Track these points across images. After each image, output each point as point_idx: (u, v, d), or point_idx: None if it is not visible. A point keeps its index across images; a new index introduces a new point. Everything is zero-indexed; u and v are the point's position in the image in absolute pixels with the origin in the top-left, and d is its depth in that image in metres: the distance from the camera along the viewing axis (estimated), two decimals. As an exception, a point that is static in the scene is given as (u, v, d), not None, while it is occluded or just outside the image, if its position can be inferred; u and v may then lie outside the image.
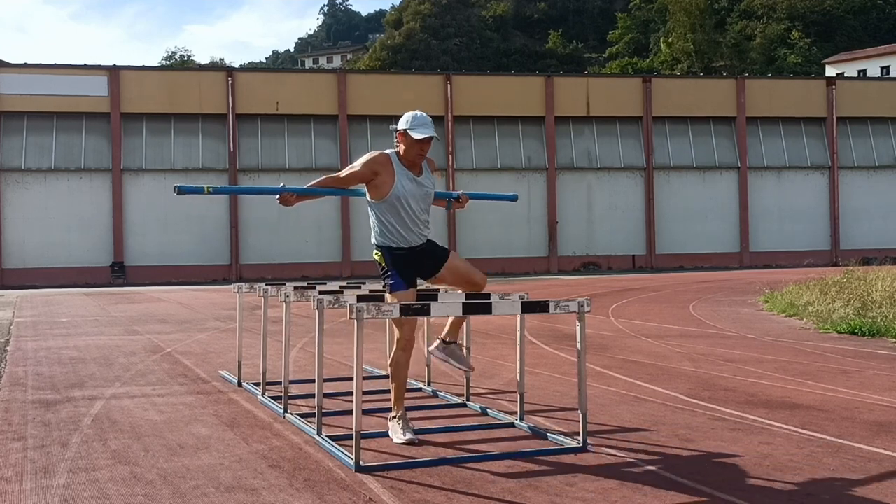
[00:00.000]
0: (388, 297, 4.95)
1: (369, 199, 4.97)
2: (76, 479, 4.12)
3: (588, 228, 39.45)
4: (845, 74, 62.42)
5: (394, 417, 4.93)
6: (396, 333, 4.85)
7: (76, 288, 31.19)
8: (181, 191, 5.04)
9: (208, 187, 5.13)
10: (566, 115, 39.26)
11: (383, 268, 4.95)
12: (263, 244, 36.22)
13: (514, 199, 6.40)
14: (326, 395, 5.87)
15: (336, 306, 5.23)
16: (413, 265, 4.96)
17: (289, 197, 4.96)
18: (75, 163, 35.10)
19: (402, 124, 4.89)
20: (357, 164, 4.93)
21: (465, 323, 5.37)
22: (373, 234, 5.03)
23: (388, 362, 5.02)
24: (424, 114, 4.92)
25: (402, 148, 4.91)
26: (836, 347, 9.15)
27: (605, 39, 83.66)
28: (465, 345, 5.38)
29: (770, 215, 41.24)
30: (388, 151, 4.95)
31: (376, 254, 5.00)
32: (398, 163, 4.91)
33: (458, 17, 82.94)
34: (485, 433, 5.12)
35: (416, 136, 4.83)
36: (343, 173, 4.97)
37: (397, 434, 4.85)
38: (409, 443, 4.76)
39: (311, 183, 5.11)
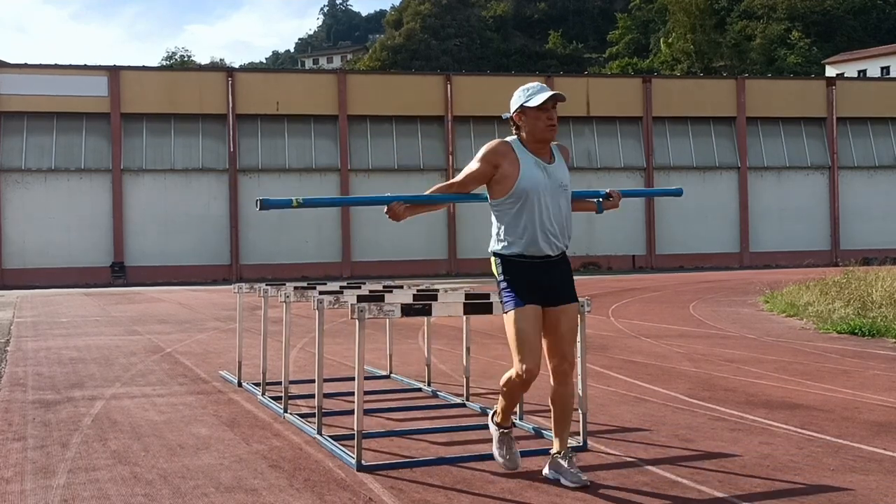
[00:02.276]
0: (505, 319, 4.01)
1: (491, 202, 4.09)
2: (76, 479, 4.12)
3: (588, 228, 39.43)
4: (845, 74, 62.42)
5: (497, 424, 4.24)
6: (515, 363, 3.96)
7: (76, 288, 31.19)
8: (265, 205, 4.19)
9: (297, 200, 4.22)
10: (566, 116, 39.22)
11: (499, 280, 4.07)
12: (263, 244, 36.22)
13: (679, 193, 5.11)
14: (326, 396, 5.87)
15: (336, 306, 5.23)
16: (536, 280, 3.98)
17: (398, 210, 4.12)
18: (75, 163, 35.10)
19: (514, 104, 4.05)
20: (474, 163, 4.09)
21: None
22: (491, 241, 4.11)
23: (501, 382, 4.13)
24: (540, 83, 4.08)
25: (524, 132, 4.05)
26: (836, 347, 9.15)
27: (605, 39, 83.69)
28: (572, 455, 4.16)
29: (770, 215, 41.24)
30: (508, 139, 4.09)
31: (494, 261, 4.11)
32: (523, 149, 4.04)
33: (458, 18, 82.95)
34: (485, 433, 5.11)
35: (536, 102, 3.95)
36: (460, 177, 4.15)
37: (497, 448, 4.22)
38: (508, 468, 4.14)
39: (428, 191, 4.34)
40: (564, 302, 4.02)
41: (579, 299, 4.18)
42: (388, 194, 4.24)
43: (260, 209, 4.24)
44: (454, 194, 4.29)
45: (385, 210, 4.15)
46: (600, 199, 4.44)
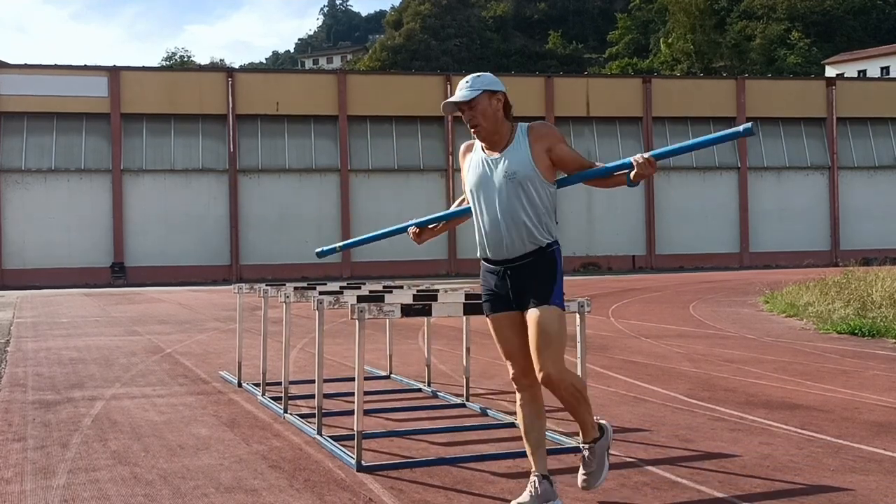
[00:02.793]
0: None
1: None
2: (76, 480, 4.12)
3: (588, 229, 39.46)
4: (845, 75, 62.43)
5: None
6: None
7: (76, 288, 31.19)
8: (321, 255, 5.03)
9: (339, 245, 4.76)
10: (566, 116, 39.25)
11: None
12: (263, 244, 36.23)
13: (748, 132, 3.46)
14: (326, 396, 5.87)
15: (336, 307, 5.23)
16: (503, 286, 3.67)
17: (411, 235, 4.13)
18: (75, 163, 35.11)
19: None
20: None
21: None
22: None
23: None
24: (472, 75, 3.74)
25: None
26: (836, 348, 9.15)
27: (605, 40, 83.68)
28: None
29: (770, 215, 41.25)
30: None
31: None
32: (478, 147, 3.76)
33: (458, 18, 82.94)
34: (485, 433, 5.12)
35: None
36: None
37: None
38: None
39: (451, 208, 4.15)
40: (530, 306, 3.60)
41: (582, 298, 4.14)
42: (414, 220, 4.17)
43: (319, 258, 4.99)
44: (467, 206, 4.00)
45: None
46: (629, 173, 3.68)
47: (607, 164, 3.78)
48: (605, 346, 9.62)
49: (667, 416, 5.54)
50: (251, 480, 4.08)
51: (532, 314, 3.55)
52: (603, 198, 39.62)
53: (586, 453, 3.72)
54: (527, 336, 3.60)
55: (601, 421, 3.76)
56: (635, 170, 3.56)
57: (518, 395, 3.69)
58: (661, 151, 3.62)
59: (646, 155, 3.55)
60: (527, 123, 3.74)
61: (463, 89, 3.64)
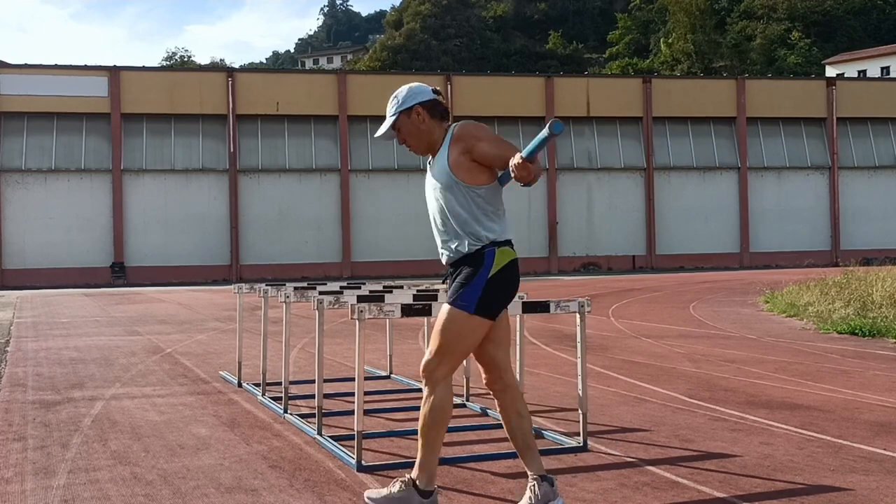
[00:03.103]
0: None
1: None
2: (76, 480, 4.12)
3: (588, 229, 39.46)
4: (845, 75, 62.45)
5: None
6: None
7: (76, 288, 31.19)
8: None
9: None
10: (566, 116, 39.24)
11: None
12: (263, 244, 36.24)
13: (551, 135, 3.07)
14: (326, 396, 5.87)
15: (336, 307, 5.23)
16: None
17: None
18: (75, 163, 35.12)
19: None
20: None
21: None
22: None
23: None
24: (392, 96, 3.63)
25: None
26: (837, 348, 9.15)
27: (606, 40, 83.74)
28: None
29: (770, 215, 41.27)
30: None
31: None
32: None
33: (458, 18, 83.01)
34: (485, 433, 5.12)
35: None
36: None
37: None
38: None
39: None
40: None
41: (582, 298, 4.14)
42: None
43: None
44: None
45: None
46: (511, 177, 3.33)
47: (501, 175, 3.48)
48: (605, 346, 9.62)
49: (667, 416, 5.54)
50: (251, 480, 4.08)
51: (443, 308, 3.45)
52: (603, 198, 39.65)
53: (395, 486, 3.47)
54: (480, 341, 3.49)
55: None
56: (523, 172, 3.19)
57: (496, 401, 3.60)
58: (528, 150, 3.20)
59: (520, 156, 3.19)
60: (456, 124, 3.53)
61: (386, 116, 3.58)
